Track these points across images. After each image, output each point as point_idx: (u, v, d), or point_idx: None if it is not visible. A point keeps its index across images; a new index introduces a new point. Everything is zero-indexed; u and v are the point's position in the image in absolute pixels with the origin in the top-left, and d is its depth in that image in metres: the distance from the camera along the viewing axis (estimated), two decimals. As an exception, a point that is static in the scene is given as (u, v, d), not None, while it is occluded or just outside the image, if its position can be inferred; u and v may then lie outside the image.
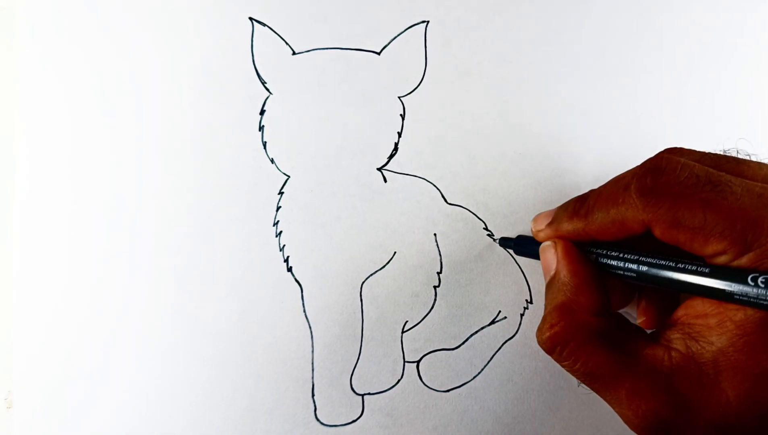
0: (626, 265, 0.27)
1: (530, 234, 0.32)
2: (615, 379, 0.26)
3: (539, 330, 0.28)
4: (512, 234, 0.36)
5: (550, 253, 0.29)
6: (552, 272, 0.29)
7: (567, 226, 0.29)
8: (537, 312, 0.37)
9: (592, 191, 0.28)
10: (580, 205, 0.28)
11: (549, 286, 0.29)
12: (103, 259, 0.35)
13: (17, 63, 0.35)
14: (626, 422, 0.26)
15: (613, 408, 0.26)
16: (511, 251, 0.36)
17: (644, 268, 0.26)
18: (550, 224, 0.30)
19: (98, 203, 0.35)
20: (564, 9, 0.37)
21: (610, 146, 0.37)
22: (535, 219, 0.31)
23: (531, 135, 0.37)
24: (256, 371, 0.35)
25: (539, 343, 0.28)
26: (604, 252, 0.28)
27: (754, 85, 0.38)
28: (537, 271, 0.37)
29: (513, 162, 0.37)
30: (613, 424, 0.37)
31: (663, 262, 0.26)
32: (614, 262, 0.28)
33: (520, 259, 0.37)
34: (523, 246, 0.33)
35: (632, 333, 0.27)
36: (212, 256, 0.35)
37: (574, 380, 0.37)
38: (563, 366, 0.27)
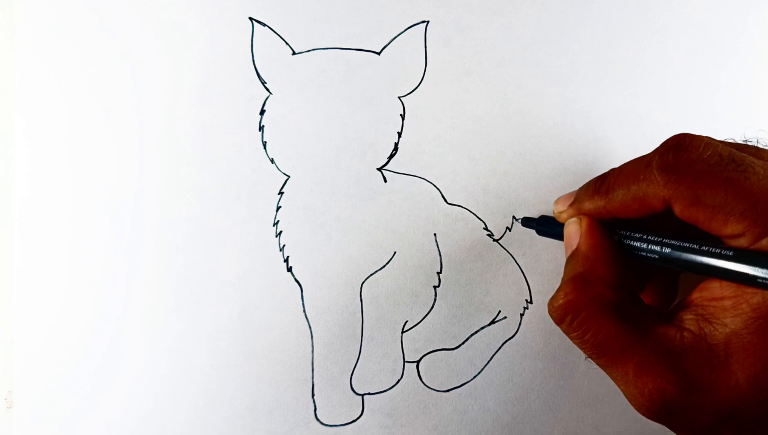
0: (650, 246, 0.27)
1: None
2: (624, 353, 0.25)
3: (552, 299, 0.28)
4: (512, 234, 0.36)
5: (574, 227, 0.30)
6: (574, 247, 0.29)
7: (588, 205, 0.29)
8: (537, 312, 0.37)
9: (612, 170, 0.29)
10: (601, 183, 0.29)
11: (569, 260, 0.29)
12: (103, 258, 0.35)
13: (17, 63, 0.35)
14: (631, 401, 0.25)
15: (619, 386, 0.26)
16: (511, 251, 0.36)
17: (667, 250, 0.26)
18: (571, 204, 0.30)
19: (98, 203, 0.35)
20: (564, 9, 0.37)
21: (610, 146, 0.37)
22: (557, 201, 0.32)
23: (531, 135, 0.37)
24: (256, 371, 0.35)
25: (550, 311, 0.28)
26: (628, 233, 0.28)
27: (754, 84, 0.38)
28: (537, 271, 0.37)
29: (513, 162, 0.37)
30: (613, 424, 0.37)
31: (686, 245, 0.26)
32: (637, 244, 0.28)
33: (520, 259, 0.37)
34: (546, 226, 0.34)
35: (646, 311, 0.27)
36: (212, 256, 0.35)
37: (575, 381, 0.37)
38: (572, 338, 0.27)
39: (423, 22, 0.36)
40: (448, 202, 0.36)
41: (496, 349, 0.37)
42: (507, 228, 0.36)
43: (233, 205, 0.35)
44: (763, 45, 0.38)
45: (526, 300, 0.37)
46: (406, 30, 0.36)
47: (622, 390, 0.26)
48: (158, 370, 0.35)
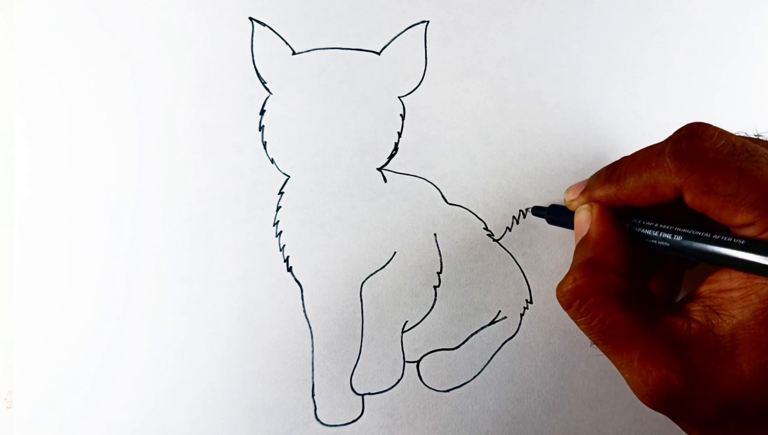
0: (661, 234, 0.27)
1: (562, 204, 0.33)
2: (630, 340, 0.25)
3: (561, 284, 0.28)
4: (512, 234, 0.36)
5: (584, 214, 0.30)
6: (584, 234, 0.29)
7: (599, 193, 0.29)
8: (537, 312, 0.37)
9: (624, 157, 0.29)
10: (612, 171, 0.28)
11: (578, 246, 0.29)
12: (104, 258, 0.35)
13: (17, 63, 0.35)
14: (635, 390, 0.25)
15: (623, 374, 0.26)
16: (511, 251, 0.36)
17: (678, 238, 0.26)
18: (583, 192, 0.30)
19: (98, 203, 0.35)
20: (564, 9, 0.37)
21: (610, 146, 0.37)
22: (568, 190, 0.32)
23: (531, 135, 0.37)
24: (256, 371, 0.35)
25: (558, 296, 0.28)
26: (639, 221, 0.28)
27: (754, 84, 0.38)
28: (537, 271, 0.37)
29: (513, 162, 0.37)
30: (613, 423, 0.37)
31: (698, 233, 0.26)
32: (649, 232, 0.28)
33: (520, 259, 0.37)
34: (556, 214, 0.34)
35: (654, 300, 0.27)
36: (212, 256, 0.35)
37: (575, 381, 0.37)
38: (579, 323, 0.27)
39: (423, 22, 0.36)
40: (448, 202, 0.36)
41: (496, 349, 0.37)
42: (507, 228, 0.36)
43: (233, 205, 0.35)
44: (763, 45, 0.38)
45: (526, 300, 0.37)
46: (406, 30, 0.36)
47: (626, 379, 0.26)
48: (158, 371, 0.35)
